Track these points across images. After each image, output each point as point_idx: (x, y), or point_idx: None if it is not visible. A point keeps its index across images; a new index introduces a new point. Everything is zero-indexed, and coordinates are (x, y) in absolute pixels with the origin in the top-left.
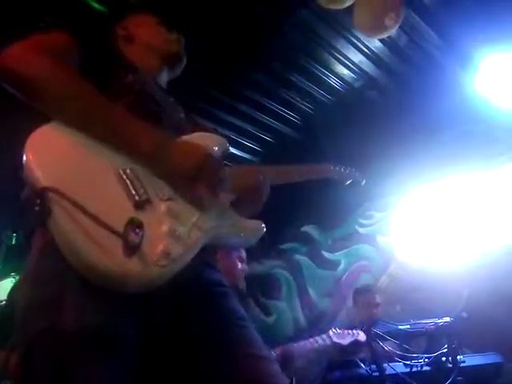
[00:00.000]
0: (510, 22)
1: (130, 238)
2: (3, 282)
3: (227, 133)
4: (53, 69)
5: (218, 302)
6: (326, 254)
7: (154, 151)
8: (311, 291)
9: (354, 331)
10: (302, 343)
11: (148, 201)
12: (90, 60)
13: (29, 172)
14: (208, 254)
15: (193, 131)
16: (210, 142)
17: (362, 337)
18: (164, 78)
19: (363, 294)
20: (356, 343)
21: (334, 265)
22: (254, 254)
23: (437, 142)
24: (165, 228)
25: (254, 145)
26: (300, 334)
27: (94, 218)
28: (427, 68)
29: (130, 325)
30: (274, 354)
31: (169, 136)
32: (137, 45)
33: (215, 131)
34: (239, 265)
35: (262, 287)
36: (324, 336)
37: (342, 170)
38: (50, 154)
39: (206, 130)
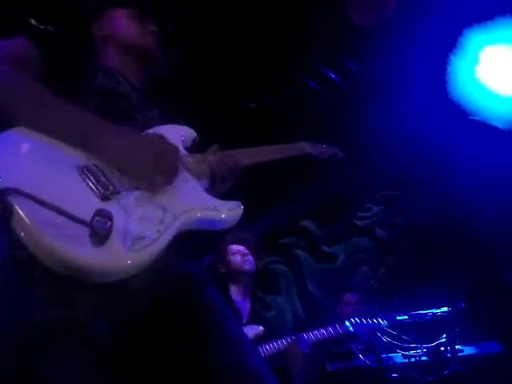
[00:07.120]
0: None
1: (99, 227)
2: None
3: None
4: (18, 83)
5: (195, 293)
6: (324, 248)
7: (116, 152)
8: (310, 285)
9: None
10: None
11: (114, 192)
12: (55, 65)
13: None
14: (185, 247)
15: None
16: (175, 132)
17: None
18: (140, 76)
19: (344, 295)
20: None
21: (332, 258)
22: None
23: None
24: (135, 216)
25: None
26: (300, 327)
27: (60, 211)
28: None
29: (100, 316)
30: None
31: (130, 134)
32: (112, 44)
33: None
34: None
35: (261, 282)
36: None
37: (318, 146)
38: (9, 157)
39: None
